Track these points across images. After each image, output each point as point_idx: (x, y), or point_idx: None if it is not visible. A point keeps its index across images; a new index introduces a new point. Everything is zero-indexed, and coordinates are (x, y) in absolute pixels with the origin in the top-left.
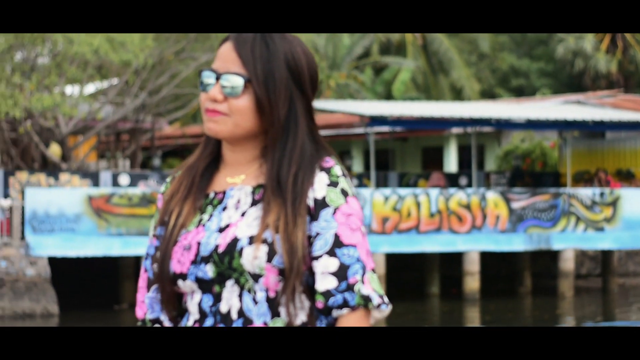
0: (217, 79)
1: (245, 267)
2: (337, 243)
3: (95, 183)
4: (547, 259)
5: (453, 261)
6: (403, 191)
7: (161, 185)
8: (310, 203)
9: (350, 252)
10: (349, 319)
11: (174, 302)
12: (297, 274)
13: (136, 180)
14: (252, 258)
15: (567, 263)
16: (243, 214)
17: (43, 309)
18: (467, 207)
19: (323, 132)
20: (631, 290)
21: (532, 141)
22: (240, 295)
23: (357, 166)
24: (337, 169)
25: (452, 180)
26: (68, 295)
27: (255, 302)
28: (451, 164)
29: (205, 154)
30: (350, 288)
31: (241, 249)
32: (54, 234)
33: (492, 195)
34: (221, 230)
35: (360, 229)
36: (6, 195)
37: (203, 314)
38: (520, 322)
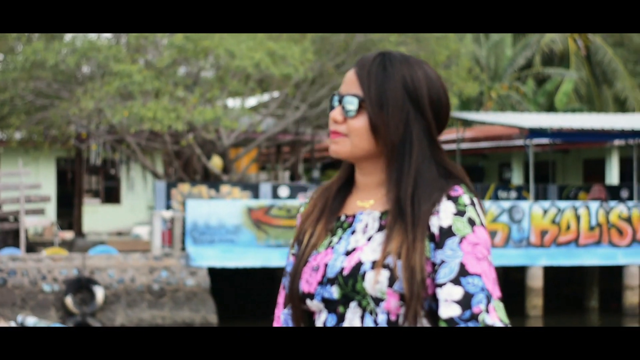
0: (340, 101)
1: (367, 291)
2: (462, 272)
3: (256, 195)
4: None
5: (613, 275)
6: (562, 204)
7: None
8: (435, 230)
9: (475, 281)
10: None
11: (304, 320)
12: (417, 299)
13: (295, 192)
14: (374, 282)
15: None
16: (369, 239)
17: (202, 318)
18: (628, 220)
19: (483, 144)
20: None
21: None
22: (362, 317)
23: (517, 178)
24: (465, 198)
25: (613, 193)
26: (227, 305)
27: (376, 324)
28: (613, 176)
29: (340, 177)
30: (474, 317)
31: (364, 273)
32: (214, 245)
33: None
34: (348, 253)
35: (487, 258)
36: (168, 207)
37: None
38: None
